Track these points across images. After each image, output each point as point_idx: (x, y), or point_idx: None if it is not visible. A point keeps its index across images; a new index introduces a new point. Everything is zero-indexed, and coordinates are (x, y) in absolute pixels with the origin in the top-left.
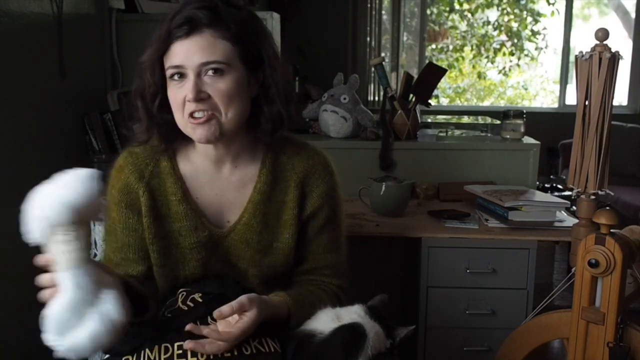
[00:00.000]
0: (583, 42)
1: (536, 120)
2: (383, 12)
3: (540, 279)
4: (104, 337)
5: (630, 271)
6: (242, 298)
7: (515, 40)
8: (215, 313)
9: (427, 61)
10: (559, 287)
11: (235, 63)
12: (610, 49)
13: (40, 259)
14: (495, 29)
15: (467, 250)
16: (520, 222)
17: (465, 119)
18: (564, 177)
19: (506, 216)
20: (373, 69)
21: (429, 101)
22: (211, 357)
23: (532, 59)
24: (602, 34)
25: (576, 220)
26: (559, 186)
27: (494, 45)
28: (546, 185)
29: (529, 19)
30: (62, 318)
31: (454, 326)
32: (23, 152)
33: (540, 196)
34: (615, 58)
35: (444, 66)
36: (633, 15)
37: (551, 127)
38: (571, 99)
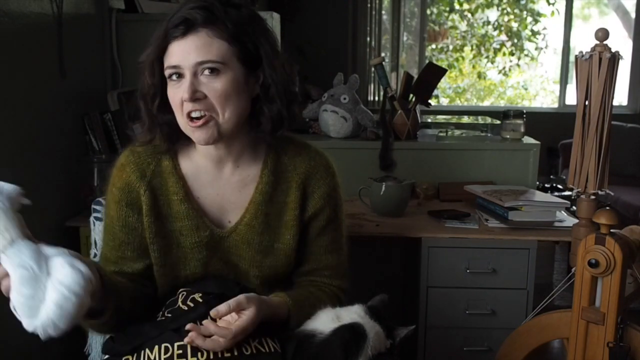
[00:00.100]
0: (583, 42)
1: (536, 120)
2: (383, 12)
3: (540, 279)
4: (70, 301)
5: (630, 271)
6: (240, 297)
7: (515, 40)
8: (212, 312)
9: (427, 61)
10: (559, 287)
11: (232, 62)
12: (610, 49)
13: None
14: (495, 29)
15: (467, 250)
16: (520, 222)
17: (465, 119)
18: (564, 177)
19: (506, 216)
20: (373, 69)
21: (429, 101)
22: (211, 356)
23: (532, 59)
24: (602, 34)
25: (576, 220)
26: (559, 186)
27: (494, 45)
28: (546, 185)
29: (529, 19)
30: (22, 300)
31: (454, 326)
32: (23, 152)
33: (540, 196)
34: (615, 58)
35: (444, 66)
36: (633, 15)
37: (551, 127)
38: (571, 99)
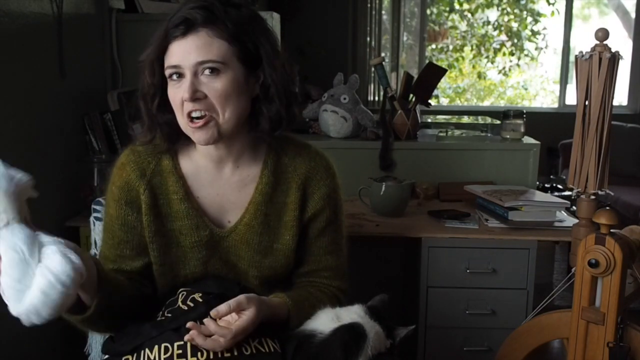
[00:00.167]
0: (583, 42)
1: (536, 120)
2: (383, 12)
3: (540, 279)
4: (55, 289)
5: (630, 271)
6: (240, 297)
7: (515, 40)
8: (212, 312)
9: (427, 61)
10: (559, 287)
11: (232, 62)
12: (610, 49)
13: None
14: (495, 29)
15: (467, 250)
16: (520, 222)
17: (465, 119)
18: (564, 177)
19: (506, 216)
20: (373, 69)
21: (429, 101)
22: (211, 356)
23: (532, 59)
24: (602, 34)
25: (576, 220)
26: (559, 186)
27: (494, 45)
28: (546, 185)
29: (529, 19)
30: (9, 283)
31: (454, 326)
32: (23, 152)
33: (540, 196)
34: (615, 58)
35: (444, 66)
36: (633, 15)
37: (551, 127)
38: (571, 99)
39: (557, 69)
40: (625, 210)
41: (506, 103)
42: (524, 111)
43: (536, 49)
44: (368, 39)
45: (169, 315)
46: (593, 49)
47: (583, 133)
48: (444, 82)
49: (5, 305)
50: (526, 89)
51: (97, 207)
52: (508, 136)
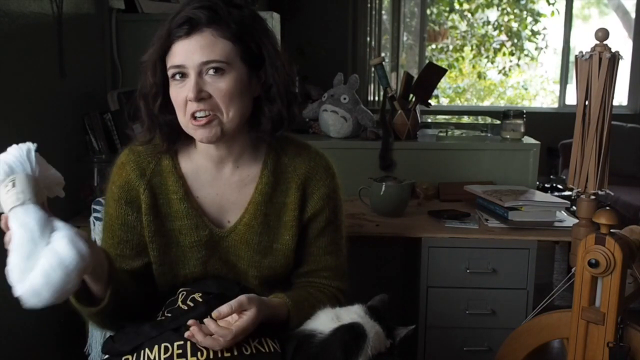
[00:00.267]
0: (583, 42)
1: (536, 120)
2: (383, 12)
3: (540, 279)
4: (57, 273)
5: (630, 271)
6: (241, 297)
7: (515, 40)
8: (214, 313)
9: (427, 61)
10: (559, 287)
11: (236, 62)
12: (610, 49)
13: None
14: (495, 29)
15: (467, 250)
16: (520, 222)
17: (465, 119)
18: (564, 177)
19: (506, 216)
20: (373, 69)
21: (429, 101)
22: (211, 356)
23: (532, 59)
24: (602, 34)
25: (576, 220)
26: (559, 186)
27: (494, 45)
28: (546, 185)
29: (529, 19)
30: (16, 261)
31: (454, 326)
32: None
33: (540, 196)
34: (615, 58)
35: (444, 66)
36: (633, 15)
37: (551, 127)
38: (571, 99)
39: (557, 69)
40: (625, 210)
41: (506, 103)
42: (524, 111)
43: (536, 49)
44: (368, 39)
45: (169, 315)
46: (593, 49)
47: (583, 133)
48: (444, 82)
49: (6, 306)
50: (526, 89)
51: (97, 207)
52: (508, 136)
